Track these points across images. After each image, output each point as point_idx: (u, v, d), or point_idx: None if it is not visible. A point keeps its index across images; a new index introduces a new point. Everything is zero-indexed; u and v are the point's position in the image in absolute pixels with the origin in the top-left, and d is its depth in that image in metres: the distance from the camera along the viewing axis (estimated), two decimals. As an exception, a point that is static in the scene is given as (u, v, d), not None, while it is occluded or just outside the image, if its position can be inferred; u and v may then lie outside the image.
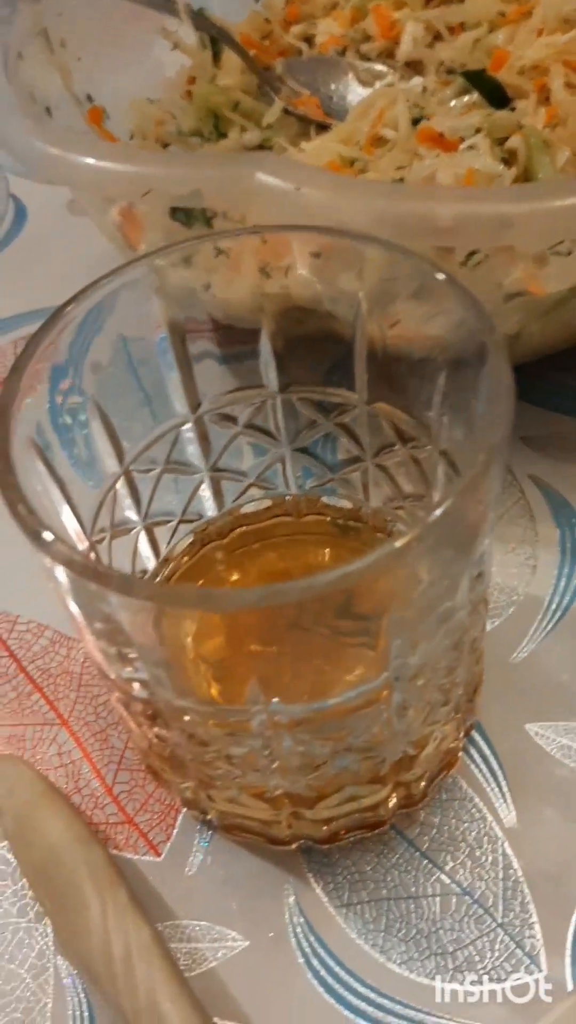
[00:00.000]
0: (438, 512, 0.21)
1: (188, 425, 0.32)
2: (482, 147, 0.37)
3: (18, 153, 0.35)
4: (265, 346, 0.32)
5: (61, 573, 0.23)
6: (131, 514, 0.32)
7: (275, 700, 0.24)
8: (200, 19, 0.47)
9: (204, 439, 0.33)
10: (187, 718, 0.26)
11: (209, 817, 0.31)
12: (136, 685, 0.26)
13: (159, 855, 0.31)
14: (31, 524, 0.23)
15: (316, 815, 0.29)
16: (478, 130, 0.38)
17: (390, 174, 0.39)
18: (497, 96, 0.42)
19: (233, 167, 0.32)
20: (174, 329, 0.30)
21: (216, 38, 0.51)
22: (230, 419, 0.33)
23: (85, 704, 0.35)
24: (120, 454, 0.31)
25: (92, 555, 0.29)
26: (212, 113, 0.50)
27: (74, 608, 0.25)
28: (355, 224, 0.32)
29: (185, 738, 0.27)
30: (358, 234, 0.29)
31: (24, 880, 0.31)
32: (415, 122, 0.43)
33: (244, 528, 0.36)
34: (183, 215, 0.35)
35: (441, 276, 0.27)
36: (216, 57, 0.52)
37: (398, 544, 0.21)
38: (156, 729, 0.28)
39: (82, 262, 0.50)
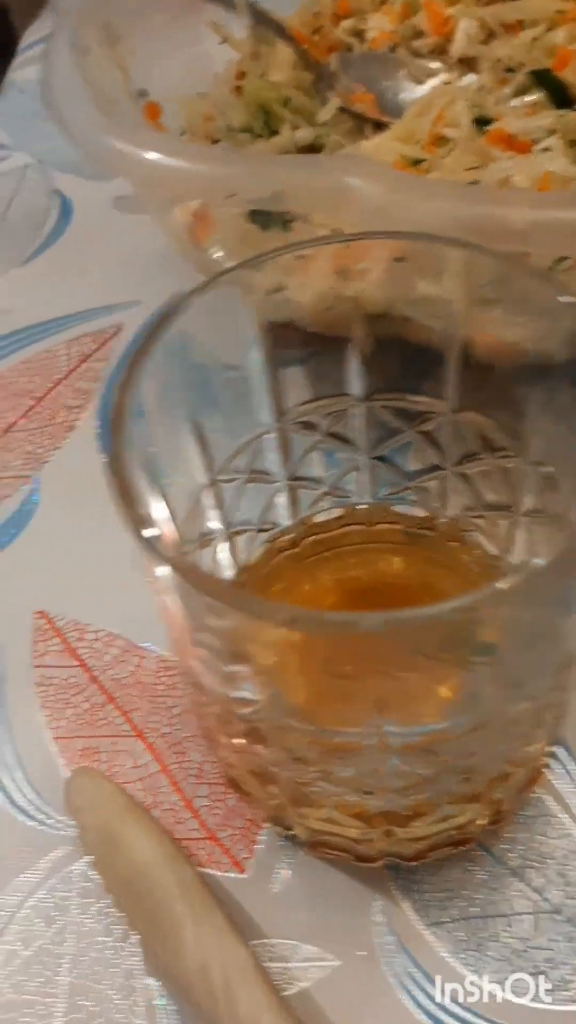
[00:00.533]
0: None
1: (271, 434, 0.32)
2: (556, 149, 0.36)
3: (93, 151, 0.34)
4: (352, 353, 0.31)
5: (179, 590, 0.22)
6: (214, 524, 0.32)
7: (390, 722, 0.24)
8: (257, 13, 0.47)
9: (285, 447, 0.33)
10: (292, 738, 0.25)
11: (294, 833, 0.31)
12: (242, 704, 0.25)
13: (243, 871, 0.31)
14: (158, 549, 0.22)
15: (409, 833, 0.29)
16: (551, 132, 0.37)
17: (459, 175, 0.38)
18: (561, 96, 0.41)
19: (321, 170, 0.31)
20: (264, 339, 0.30)
21: (262, 33, 0.50)
22: (311, 427, 0.33)
23: (160, 715, 0.35)
24: (210, 464, 0.30)
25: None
26: (262, 109, 0.49)
27: (182, 626, 0.25)
28: (427, 226, 0.32)
29: (286, 757, 0.26)
30: (451, 239, 0.29)
31: (109, 897, 0.31)
32: (476, 121, 0.42)
33: (315, 537, 0.36)
34: (261, 218, 0.35)
35: (543, 283, 0.26)
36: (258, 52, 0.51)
37: (535, 573, 0.20)
38: (255, 747, 0.27)
39: (133, 261, 0.50)
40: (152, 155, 0.33)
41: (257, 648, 0.23)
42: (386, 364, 0.32)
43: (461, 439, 0.32)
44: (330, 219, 0.34)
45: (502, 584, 0.21)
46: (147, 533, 0.23)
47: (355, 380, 0.32)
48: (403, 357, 0.32)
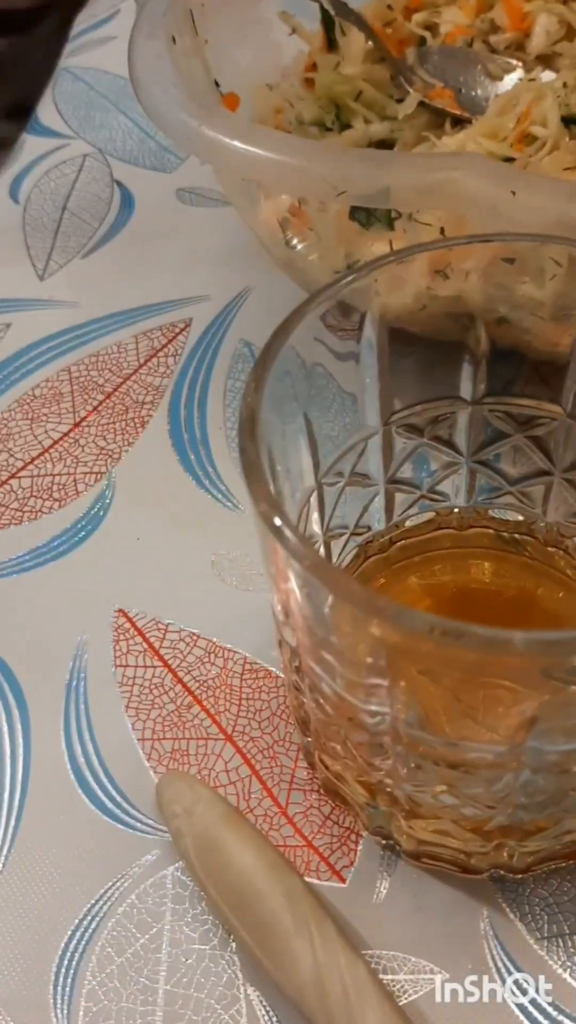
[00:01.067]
0: None
1: (376, 437, 0.31)
2: None
3: (194, 145, 0.33)
4: (466, 356, 0.30)
5: (313, 592, 0.22)
6: (316, 527, 0.31)
7: (535, 739, 0.23)
8: (338, 4, 0.46)
9: (388, 450, 0.32)
10: (420, 751, 0.25)
11: (394, 842, 0.30)
12: (370, 714, 0.25)
13: (344, 881, 0.30)
14: (305, 550, 0.21)
15: (524, 847, 0.28)
16: None
17: (556, 174, 0.38)
18: None
19: (431, 168, 0.31)
20: (380, 343, 0.29)
21: (333, 24, 0.49)
22: (416, 430, 0.32)
23: (249, 719, 0.34)
24: (316, 467, 0.30)
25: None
26: (334, 103, 0.48)
27: (307, 629, 0.24)
28: (541, 227, 0.31)
29: (408, 770, 0.26)
30: (564, 239, 0.28)
31: (204, 904, 0.30)
32: (563, 119, 0.42)
33: (405, 541, 0.35)
34: (363, 215, 0.34)
35: None
36: (331, 45, 0.50)
37: None
38: (373, 757, 0.27)
39: (198, 254, 0.49)
40: (255, 149, 0.32)
41: (398, 659, 0.22)
42: (500, 368, 0.31)
43: (573, 446, 0.31)
44: (434, 217, 0.33)
45: None
46: (289, 536, 0.22)
47: (467, 384, 0.31)
48: (517, 362, 0.31)
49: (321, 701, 0.27)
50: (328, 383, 0.29)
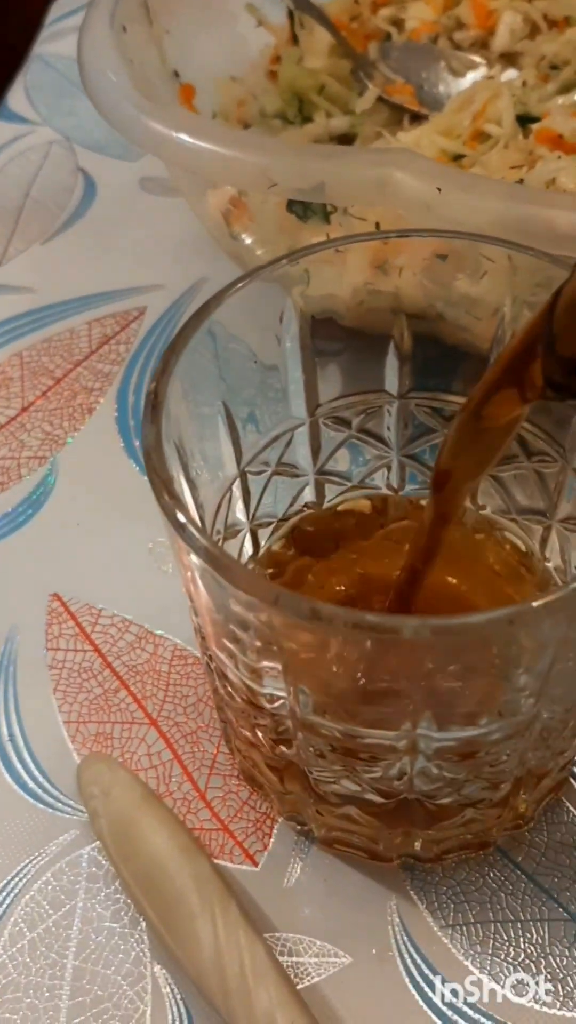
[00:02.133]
0: None
1: (303, 428, 0.32)
2: (604, 152, 0.36)
3: (135, 134, 0.33)
4: (391, 349, 0.31)
5: (212, 581, 0.22)
6: (241, 516, 0.31)
7: (425, 726, 0.23)
8: (299, -2, 0.46)
9: (316, 442, 0.32)
10: (318, 736, 0.25)
11: (308, 828, 0.30)
12: (269, 700, 0.25)
13: (256, 865, 0.31)
14: (196, 537, 0.22)
15: (429, 836, 0.29)
16: (599, 133, 0.37)
17: (503, 173, 0.38)
18: (609, 97, 0.41)
19: (366, 163, 0.31)
20: (303, 333, 0.29)
21: (301, 18, 0.49)
22: (344, 422, 0.32)
23: (175, 704, 0.34)
24: (239, 456, 0.30)
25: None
26: (297, 96, 0.48)
27: (211, 617, 0.24)
28: (472, 224, 0.31)
29: (310, 755, 0.26)
30: (496, 240, 0.28)
31: (117, 884, 0.30)
32: (518, 118, 0.42)
33: (336, 527, 0.35)
34: (300, 208, 0.34)
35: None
36: (296, 38, 0.51)
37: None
38: (277, 743, 0.27)
39: (157, 243, 0.49)
40: (193, 141, 0.33)
41: (290, 645, 0.23)
42: (425, 362, 0.31)
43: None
44: (371, 213, 0.33)
45: (544, 598, 0.20)
46: (181, 519, 0.22)
47: (392, 377, 0.31)
48: (440, 356, 0.32)
49: (228, 687, 0.27)
50: (251, 372, 0.30)
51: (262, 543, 0.33)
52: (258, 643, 0.23)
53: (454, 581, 0.32)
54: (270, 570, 0.33)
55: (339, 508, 0.35)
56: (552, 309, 0.22)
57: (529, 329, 0.23)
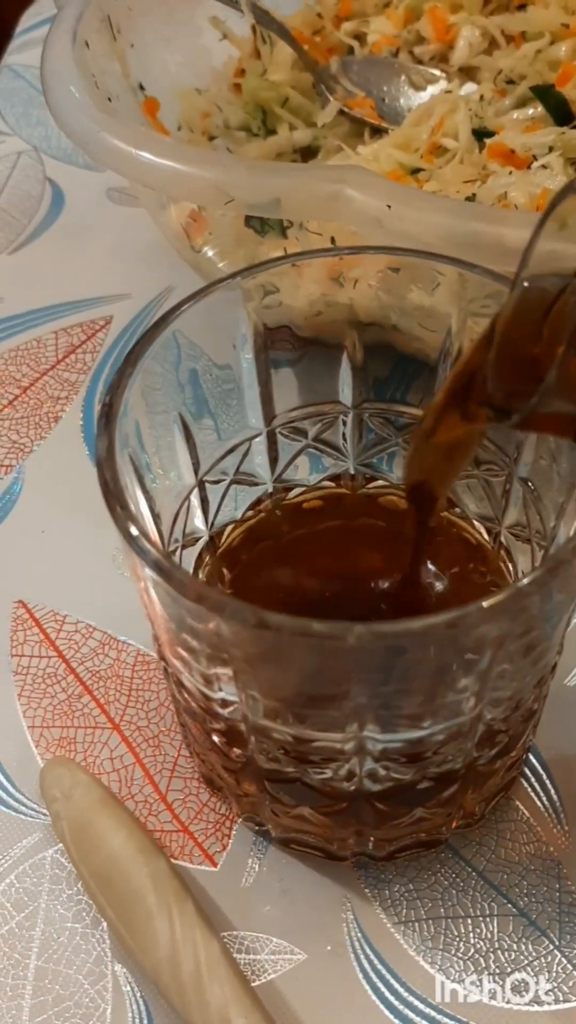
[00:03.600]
0: (568, 553, 0.21)
1: (260, 438, 0.32)
2: (555, 166, 0.37)
3: (92, 149, 0.34)
4: (344, 361, 0.32)
5: (162, 590, 0.23)
6: (200, 524, 0.32)
7: (370, 728, 0.24)
8: (260, 12, 0.47)
9: (273, 451, 0.33)
10: (269, 739, 0.26)
11: (266, 829, 0.31)
12: (222, 704, 0.26)
13: (215, 865, 0.32)
14: (144, 548, 0.22)
15: (380, 835, 0.29)
16: (551, 148, 0.38)
17: (457, 187, 0.39)
18: (562, 112, 0.42)
19: (319, 180, 0.32)
20: (258, 344, 0.30)
21: (264, 32, 0.50)
22: (300, 432, 0.33)
23: (137, 709, 0.35)
24: (197, 466, 0.31)
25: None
26: (260, 108, 0.49)
27: (165, 625, 0.25)
28: (425, 241, 0.32)
29: (262, 758, 0.27)
30: (446, 257, 0.29)
31: (79, 885, 0.31)
32: (475, 132, 0.43)
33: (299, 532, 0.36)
34: (257, 222, 0.35)
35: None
36: (259, 51, 0.51)
37: (523, 583, 0.21)
38: (232, 746, 0.28)
39: (124, 253, 0.50)
40: (149, 156, 0.33)
41: (238, 652, 0.23)
42: (377, 372, 0.32)
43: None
44: (327, 227, 0.34)
45: (487, 600, 0.21)
46: (133, 531, 0.23)
47: (346, 388, 0.32)
48: (393, 366, 0.32)
49: (184, 693, 0.28)
50: (208, 383, 0.30)
51: (222, 543, 0.34)
52: (209, 651, 0.24)
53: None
54: (225, 567, 0.33)
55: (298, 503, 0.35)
56: (491, 337, 0.23)
57: (469, 357, 0.24)
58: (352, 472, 0.34)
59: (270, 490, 0.34)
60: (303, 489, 0.35)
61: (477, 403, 0.24)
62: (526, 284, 0.23)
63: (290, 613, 0.21)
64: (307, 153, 0.48)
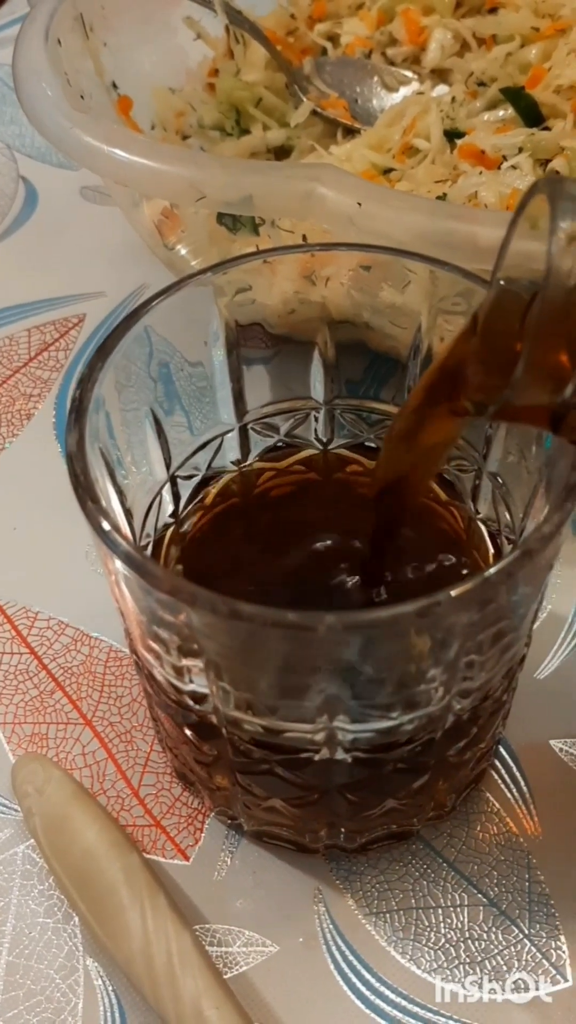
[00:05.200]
0: (535, 543, 0.21)
1: (232, 434, 0.32)
2: (524, 167, 0.37)
3: (65, 146, 0.34)
4: (316, 357, 0.32)
5: (134, 583, 0.23)
6: (170, 519, 0.32)
7: (340, 718, 0.24)
8: (232, 12, 0.47)
9: (245, 447, 0.33)
10: (241, 732, 0.26)
11: (238, 823, 0.31)
12: (193, 697, 0.26)
13: (188, 859, 0.32)
14: (114, 542, 0.22)
15: (351, 826, 0.30)
16: (520, 149, 0.38)
17: (428, 187, 0.39)
18: (532, 114, 0.42)
19: (291, 178, 0.32)
20: (230, 340, 0.30)
21: (237, 32, 0.50)
22: (272, 428, 0.33)
23: (109, 704, 0.35)
24: (168, 461, 0.31)
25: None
26: (234, 108, 0.49)
27: (136, 619, 0.25)
28: (397, 239, 0.32)
29: (234, 750, 0.27)
30: (416, 254, 0.29)
31: (50, 880, 0.31)
32: (446, 133, 0.43)
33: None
34: (230, 220, 0.35)
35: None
36: (233, 51, 0.51)
37: (490, 572, 0.21)
38: (203, 739, 0.28)
39: (98, 251, 0.50)
40: (122, 153, 0.33)
41: (208, 642, 0.24)
42: (349, 370, 0.32)
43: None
44: (299, 225, 0.34)
45: (455, 589, 0.22)
46: (104, 526, 0.23)
47: (318, 385, 0.32)
48: (366, 364, 0.33)
49: (156, 687, 0.28)
50: (180, 378, 0.30)
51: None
52: (180, 642, 0.24)
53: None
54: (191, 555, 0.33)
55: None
56: (471, 332, 0.24)
57: (450, 352, 0.25)
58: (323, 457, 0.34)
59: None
60: (273, 473, 0.34)
61: (457, 397, 0.24)
62: (502, 283, 0.24)
63: (258, 600, 0.21)
64: (280, 153, 0.48)
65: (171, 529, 0.32)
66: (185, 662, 0.25)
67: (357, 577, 0.30)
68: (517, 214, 0.24)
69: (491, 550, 0.31)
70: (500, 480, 0.30)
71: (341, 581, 0.30)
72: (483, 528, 0.31)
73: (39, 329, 0.46)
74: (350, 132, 0.47)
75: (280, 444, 0.34)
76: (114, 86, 0.46)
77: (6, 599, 0.38)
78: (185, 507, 0.33)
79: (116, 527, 0.23)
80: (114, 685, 0.36)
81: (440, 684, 0.24)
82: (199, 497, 0.33)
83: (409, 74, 0.50)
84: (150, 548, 0.31)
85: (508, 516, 0.30)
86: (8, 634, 0.37)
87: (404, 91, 0.50)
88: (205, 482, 0.33)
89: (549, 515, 0.23)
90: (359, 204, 0.31)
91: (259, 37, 0.48)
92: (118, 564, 0.23)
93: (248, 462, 0.34)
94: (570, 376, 0.21)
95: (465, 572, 0.30)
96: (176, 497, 0.32)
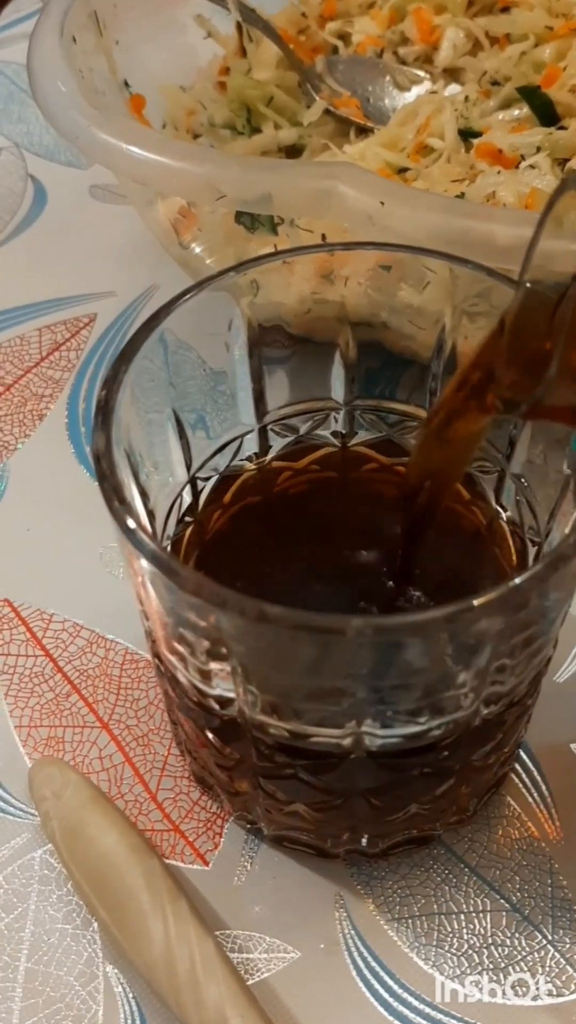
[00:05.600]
0: (567, 549, 0.21)
1: (252, 435, 0.32)
2: (543, 166, 0.37)
3: (82, 143, 0.34)
4: (337, 358, 0.32)
5: (160, 584, 0.22)
6: (189, 517, 0.32)
7: (368, 723, 0.24)
8: (246, 10, 0.47)
9: (264, 448, 0.33)
10: (266, 736, 0.26)
11: (258, 827, 0.31)
12: (218, 701, 0.26)
13: (207, 864, 0.31)
14: (143, 542, 0.22)
15: (374, 831, 0.29)
16: (538, 148, 0.38)
17: (445, 186, 0.39)
18: (548, 113, 0.42)
19: (311, 176, 0.32)
20: (252, 341, 0.30)
21: (249, 31, 0.50)
22: (291, 429, 0.33)
23: (126, 707, 0.35)
24: (189, 462, 0.31)
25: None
26: (245, 107, 0.49)
27: (160, 620, 0.25)
28: (413, 237, 0.32)
29: (258, 754, 0.27)
30: (437, 252, 0.29)
31: (69, 886, 0.31)
32: (460, 133, 0.43)
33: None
34: (248, 219, 0.35)
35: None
36: (244, 50, 0.51)
37: (522, 579, 0.21)
38: (227, 743, 0.28)
39: (108, 250, 0.50)
40: (139, 151, 0.33)
41: (236, 645, 0.23)
42: (370, 371, 0.32)
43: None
44: (318, 224, 0.34)
45: (484, 596, 0.21)
46: (131, 525, 0.23)
47: (338, 385, 0.32)
48: (380, 364, 0.32)
49: (179, 690, 0.27)
50: (200, 380, 0.30)
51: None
52: (207, 645, 0.24)
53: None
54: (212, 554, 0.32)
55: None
56: (501, 332, 0.24)
57: (481, 351, 0.25)
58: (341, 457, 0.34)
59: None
60: (291, 472, 0.34)
61: (488, 395, 0.24)
62: (528, 285, 0.24)
63: (283, 601, 0.21)
64: (292, 152, 0.48)
65: (190, 528, 0.32)
66: (212, 665, 0.24)
67: (381, 575, 0.29)
68: (546, 213, 0.24)
69: (513, 549, 0.31)
70: (524, 481, 0.30)
71: (365, 580, 0.30)
72: (506, 528, 0.31)
73: (50, 329, 0.46)
74: (363, 131, 0.47)
75: (299, 442, 0.33)
76: (126, 84, 0.46)
77: (20, 601, 0.37)
78: (205, 506, 0.32)
79: (142, 527, 0.23)
80: (131, 688, 0.35)
81: (470, 689, 0.24)
82: (218, 496, 0.32)
83: (421, 73, 0.50)
84: (169, 548, 0.31)
85: (532, 518, 0.29)
86: (23, 636, 0.36)
87: (416, 90, 0.50)
88: (224, 480, 0.32)
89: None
90: (381, 203, 0.30)
91: (272, 35, 0.47)
92: (145, 564, 0.23)
93: (266, 459, 0.33)
94: None
95: (489, 573, 0.30)
96: (196, 495, 0.32)
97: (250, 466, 0.33)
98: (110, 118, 0.34)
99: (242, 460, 0.33)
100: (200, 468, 0.31)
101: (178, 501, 0.31)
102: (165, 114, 0.48)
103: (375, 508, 0.33)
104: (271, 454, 0.33)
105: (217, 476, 0.32)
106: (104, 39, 0.43)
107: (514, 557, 0.30)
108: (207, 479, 0.32)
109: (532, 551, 0.30)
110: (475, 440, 0.27)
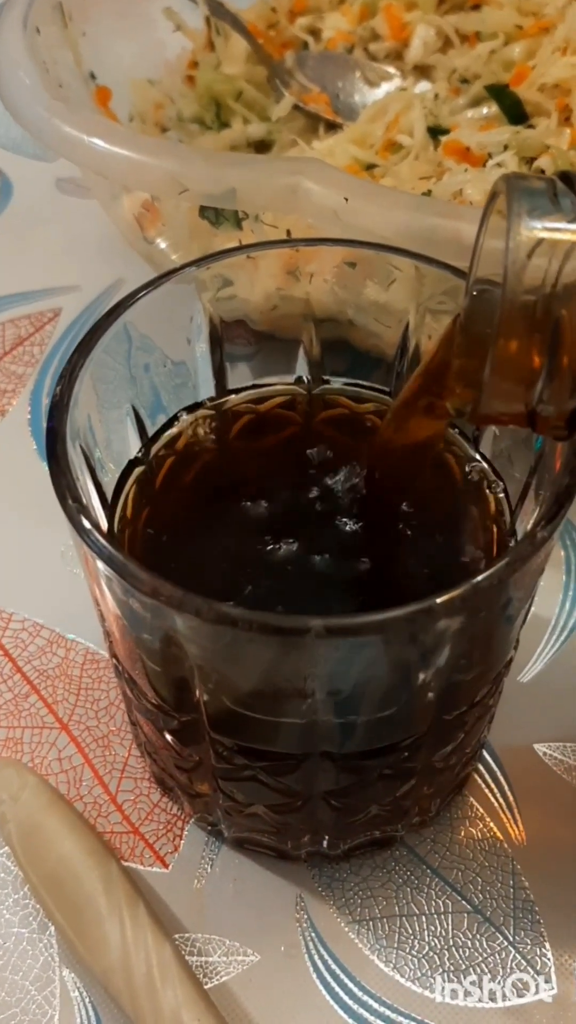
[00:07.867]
0: (527, 549, 0.21)
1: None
2: (510, 165, 0.37)
3: (44, 136, 0.33)
4: (301, 355, 0.31)
5: (120, 587, 0.22)
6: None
7: (327, 726, 0.24)
8: (215, 4, 0.46)
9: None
10: (225, 737, 0.25)
11: (219, 829, 0.31)
12: (177, 701, 0.25)
13: (167, 867, 0.31)
14: (97, 541, 0.22)
15: (336, 833, 0.29)
16: (506, 147, 0.38)
17: (412, 183, 0.39)
18: (516, 112, 0.42)
19: (276, 171, 0.31)
20: (214, 337, 0.30)
21: (218, 25, 0.50)
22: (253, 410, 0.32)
23: (86, 708, 0.34)
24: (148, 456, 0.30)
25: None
26: (214, 101, 0.49)
27: (117, 620, 0.24)
28: (379, 234, 0.32)
29: (217, 756, 0.26)
30: (402, 250, 0.29)
31: (25, 889, 0.30)
32: (429, 130, 0.43)
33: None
34: (212, 213, 0.35)
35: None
36: (213, 44, 0.51)
37: (481, 578, 0.21)
38: (186, 744, 0.27)
39: (74, 244, 0.49)
40: (102, 144, 0.33)
41: (193, 646, 0.23)
42: (333, 367, 0.32)
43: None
44: (283, 220, 0.34)
45: (444, 595, 0.21)
46: (85, 524, 0.22)
47: (303, 379, 0.32)
48: (348, 363, 0.32)
49: (137, 691, 0.27)
50: (162, 375, 0.30)
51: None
52: (163, 646, 0.23)
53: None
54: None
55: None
56: (451, 337, 0.24)
57: (432, 356, 0.24)
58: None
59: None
60: (252, 416, 0.32)
61: (440, 399, 0.24)
62: (474, 292, 0.23)
63: (234, 571, 0.20)
64: (261, 147, 0.47)
65: (138, 471, 0.30)
66: (169, 666, 0.24)
67: (345, 537, 0.28)
68: (483, 218, 0.24)
69: (491, 502, 0.30)
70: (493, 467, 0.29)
71: (327, 539, 0.28)
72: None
73: (13, 323, 0.46)
74: (332, 127, 0.47)
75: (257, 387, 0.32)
76: (92, 76, 0.46)
77: (-20, 600, 0.37)
78: (156, 455, 0.30)
79: (97, 526, 0.22)
80: (91, 688, 0.35)
81: (429, 689, 0.23)
82: (171, 443, 0.30)
83: (391, 70, 0.50)
84: (112, 491, 0.29)
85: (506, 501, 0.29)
86: (-18, 636, 0.36)
87: (386, 87, 0.49)
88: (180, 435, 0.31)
89: (542, 520, 0.22)
90: (346, 199, 0.30)
91: (241, 30, 0.47)
92: (100, 565, 0.22)
93: (226, 400, 0.31)
94: (539, 376, 0.21)
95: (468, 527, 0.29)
96: (147, 445, 0.30)
97: (207, 408, 0.31)
98: (73, 110, 0.34)
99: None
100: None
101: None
102: (132, 107, 0.48)
103: (341, 458, 0.31)
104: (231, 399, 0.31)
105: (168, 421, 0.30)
106: (70, 31, 0.42)
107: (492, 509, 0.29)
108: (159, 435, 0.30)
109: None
110: (430, 441, 0.26)
